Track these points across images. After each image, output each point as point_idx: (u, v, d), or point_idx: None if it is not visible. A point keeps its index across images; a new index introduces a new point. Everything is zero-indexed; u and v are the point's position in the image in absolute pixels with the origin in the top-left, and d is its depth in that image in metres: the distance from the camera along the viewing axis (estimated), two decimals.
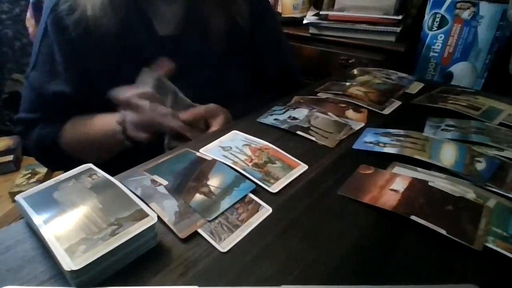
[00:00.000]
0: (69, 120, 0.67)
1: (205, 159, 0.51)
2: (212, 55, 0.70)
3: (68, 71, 0.63)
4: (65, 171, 0.43)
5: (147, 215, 0.36)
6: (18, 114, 0.68)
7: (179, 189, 0.45)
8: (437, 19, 1.15)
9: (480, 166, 0.50)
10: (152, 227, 0.36)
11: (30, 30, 1.05)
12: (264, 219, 0.42)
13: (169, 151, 0.55)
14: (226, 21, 0.68)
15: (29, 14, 1.03)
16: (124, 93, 0.56)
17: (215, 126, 0.61)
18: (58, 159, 0.68)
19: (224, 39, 0.69)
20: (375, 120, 0.65)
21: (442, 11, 1.13)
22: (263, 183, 0.47)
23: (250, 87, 0.78)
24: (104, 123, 0.62)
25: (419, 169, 0.50)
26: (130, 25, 0.62)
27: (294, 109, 0.67)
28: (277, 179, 0.48)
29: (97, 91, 0.62)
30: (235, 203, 0.43)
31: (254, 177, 0.48)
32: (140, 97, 0.56)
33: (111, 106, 0.60)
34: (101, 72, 0.64)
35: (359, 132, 0.61)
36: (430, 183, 0.47)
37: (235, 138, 0.57)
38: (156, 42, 0.65)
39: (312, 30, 1.29)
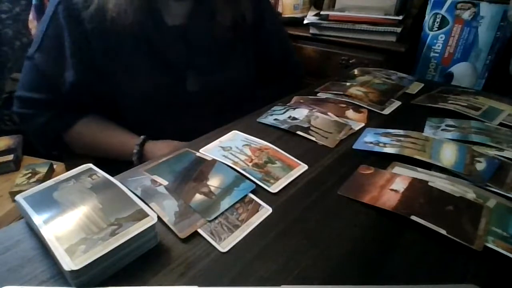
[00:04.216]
0: (83, 118, 0.71)
1: (205, 159, 0.51)
2: (218, 44, 0.74)
3: (74, 57, 0.65)
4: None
5: (147, 215, 0.36)
6: (19, 92, 0.69)
7: (179, 189, 0.45)
8: (438, 20, 1.15)
9: (480, 166, 0.50)
10: (152, 227, 0.36)
11: (33, 31, 1.05)
12: (264, 219, 0.42)
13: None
14: (232, 14, 0.73)
15: (31, 16, 1.04)
16: None
17: None
18: (57, 148, 0.73)
19: (230, 30, 0.74)
20: (375, 120, 0.65)
21: (442, 11, 1.13)
22: (263, 183, 0.47)
23: (255, 78, 0.83)
24: (124, 141, 0.69)
25: (419, 169, 0.50)
26: (141, 16, 0.65)
27: (294, 109, 0.67)
28: (277, 179, 0.48)
29: (103, 84, 0.67)
30: (235, 203, 0.43)
31: (254, 177, 0.48)
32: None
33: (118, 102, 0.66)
34: (114, 63, 0.67)
35: (359, 132, 0.61)
36: (430, 183, 0.47)
37: (235, 138, 0.57)
38: (165, 31, 0.68)
39: (312, 30, 1.29)
